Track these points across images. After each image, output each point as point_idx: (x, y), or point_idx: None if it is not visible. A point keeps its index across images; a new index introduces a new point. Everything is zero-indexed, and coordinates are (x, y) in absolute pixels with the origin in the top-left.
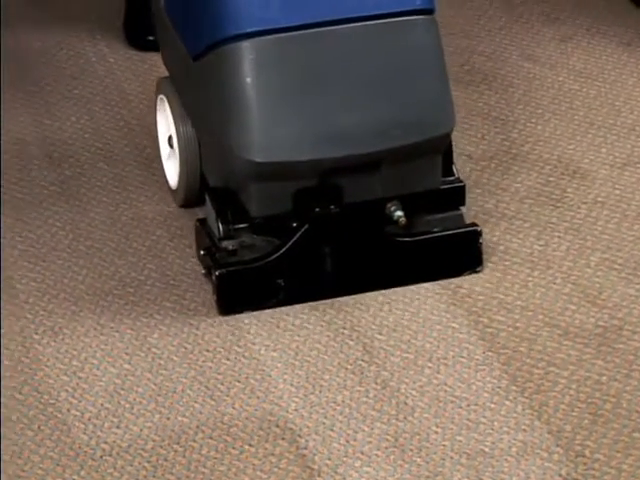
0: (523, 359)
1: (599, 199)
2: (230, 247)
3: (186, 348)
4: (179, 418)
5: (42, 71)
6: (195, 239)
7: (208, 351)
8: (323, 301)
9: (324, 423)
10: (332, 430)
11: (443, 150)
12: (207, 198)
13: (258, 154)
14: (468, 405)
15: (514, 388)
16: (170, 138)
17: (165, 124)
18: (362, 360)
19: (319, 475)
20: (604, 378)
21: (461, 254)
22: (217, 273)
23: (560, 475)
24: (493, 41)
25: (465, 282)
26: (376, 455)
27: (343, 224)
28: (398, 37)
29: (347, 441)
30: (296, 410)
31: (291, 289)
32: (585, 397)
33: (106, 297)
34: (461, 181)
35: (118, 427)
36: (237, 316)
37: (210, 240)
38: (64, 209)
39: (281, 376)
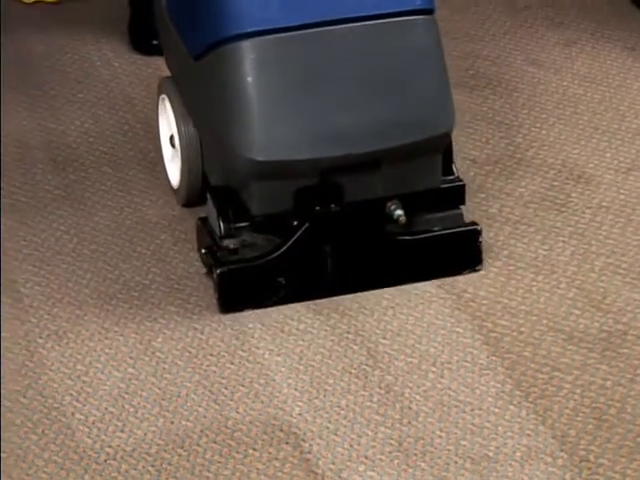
0: (527, 364)
1: (603, 204)
2: (231, 246)
3: (190, 352)
4: (183, 422)
5: (46, 75)
6: (196, 238)
7: (212, 355)
8: (327, 305)
9: (328, 427)
10: (336, 434)
11: (443, 149)
12: (208, 197)
13: (259, 153)
14: (472, 410)
15: (518, 393)
16: (172, 137)
17: (167, 124)
18: (366, 364)
19: (323, 479)
20: (608, 383)
21: (461, 253)
22: (218, 271)
23: None
24: (497, 45)
25: (469, 286)
26: (380, 459)
27: (343, 223)
28: (398, 37)
29: (351, 445)
30: (300, 414)
31: (292, 287)
32: (589, 402)
33: (110, 301)
34: (461, 180)
35: (122, 431)
36: (241, 320)
37: (211, 239)
38: (68, 213)
39: (285, 380)
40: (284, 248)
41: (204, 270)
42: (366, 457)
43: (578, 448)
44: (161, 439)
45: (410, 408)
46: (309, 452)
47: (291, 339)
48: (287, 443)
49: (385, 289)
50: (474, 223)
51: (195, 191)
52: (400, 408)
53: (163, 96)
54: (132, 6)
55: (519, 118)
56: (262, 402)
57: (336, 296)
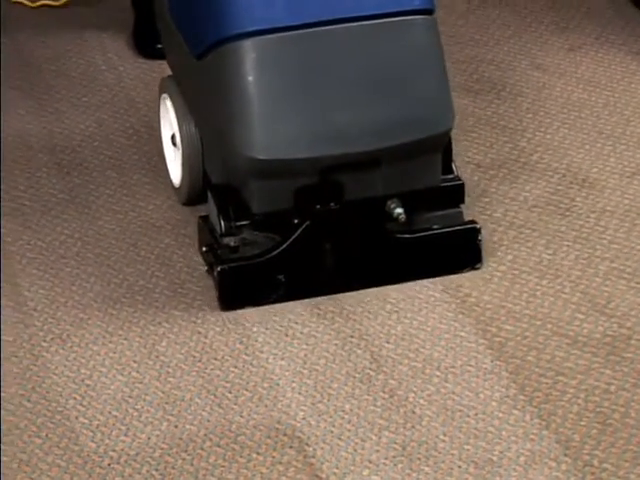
0: (531, 368)
1: (608, 208)
2: (232, 243)
3: (194, 356)
4: (187, 426)
5: (51, 79)
6: (197, 236)
7: (216, 359)
8: (331, 309)
9: (332, 431)
10: (340, 438)
11: (442, 148)
12: (209, 195)
13: (259, 151)
14: (476, 414)
15: (522, 397)
16: (173, 136)
17: (168, 123)
18: (370, 369)
19: None
20: (613, 387)
21: (461, 251)
22: (219, 269)
23: None
24: (502, 50)
25: (473, 291)
26: (384, 464)
27: (343, 221)
28: (398, 36)
29: (355, 449)
30: (304, 418)
31: (292, 285)
32: (593, 406)
33: (114, 305)
34: (460, 179)
35: (126, 435)
36: (245, 324)
37: (212, 237)
38: (72, 217)
39: (289, 384)
40: (284, 246)
41: (205, 268)
42: (370, 461)
43: (582, 453)
44: (165, 443)
45: (414, 412)
46: (313, 456)
47: (295, 343)
48: (291, 447)
49: (389, 293)
50: (473, 221)
51: (196, 189)
52: (404, 412)
53: (165, 95)
54: (136, 10)
55: (523, 122)
56: (266, 406)
57: (336, 294)
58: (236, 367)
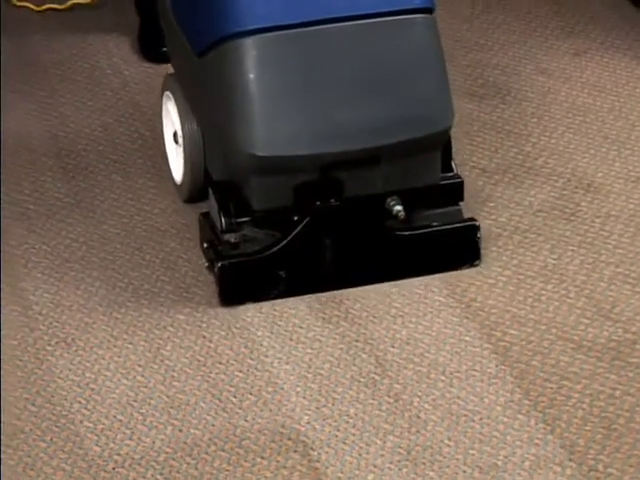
0: (536, 373)
1: (613, 213)
2: (232, 240)
3: (199, 360)
4: (192, 430)
5: (56, 83)
6: (199, 232)
7: (221, 363)
8: (336, 313)
9: (337, 436)
10: (344, 443)
11: (442, 146)
12: (210, 192)
13: (260, 148)
14: (481, 419)
15: (527, 402)
16: (175, 134)
17: (170, 120)
18: (375, 373)
19: None
20: (617, 392)
21: (459, 248)
22: (219, 265)
23: None
24: (507, 54)
25: (478, 295)
26: (389, 468)
27: (343, 218)
28: (397, 35)
29: (359, 454)
30: (309, 423)
31: (292, 281)
32: (598, 411)
33: (119, 309)
34: (460, 177)
35: (131, 439)
36: (250, 328)
37: (213, 233)
38: (78, 221)
39: (294, 389)
40: (284, 242)
41: (205, 263)
42: (375, 466)
43: (587, 457)
44: (169, 447)
45: (419, 417)
46: (317, 460)
47: (300, 347)
48: (295, 451)
49: (394, 297)
50: (472, 219)
51: (198, 187)
52: (409, 417)
53: (167, 93)
54: (141, 15)
55: (528, 127)
56: (270, 410)
57: (336, 290)
58: (241, 371)
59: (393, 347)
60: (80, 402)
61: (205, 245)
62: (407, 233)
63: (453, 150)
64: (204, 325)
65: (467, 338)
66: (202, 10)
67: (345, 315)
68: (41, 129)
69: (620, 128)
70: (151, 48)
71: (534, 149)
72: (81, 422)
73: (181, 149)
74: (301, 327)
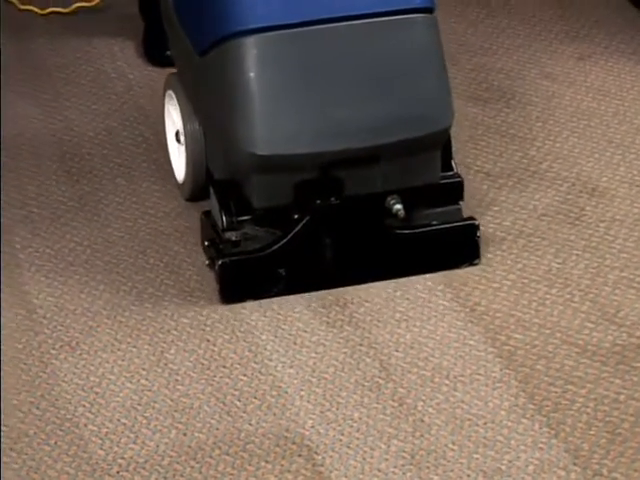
0: (540, 377)
1: (617, 217)
2: (233, 238)
3: (203, 364)
4: (196, 434)
5: (61, 86)
6: (200, 231)
7: (225, 367)
8: (340, 317)
9: (341, 440)
10: (349, 447)
11: (442, 145)
12: (211, 191)
13: (260, 147)
14: (485, 423)
15: (531, 406)
16: (177, 133)
17: (173, 119)
18: (379, 377)
19: None
20: (622, 397)
21: (459, 247)
22: (220, 263)
23: None
24: (511, 59)
25: (482, 299)
26: (393, 472)
27: (343, 216)
28: (398, 34)
29: (364, 458)
30: (313, 427)
31: (292, 279)
32: (603, 416)
33: (123, 312)
34: (459, 176)
35: (135, 443)
36: (254, 332)
37: (214, 231)
38: (82, 224)
39: (298, 393)
40: (285, 240)
41: (206, 260)
42: (379, 470)
43: (591, 462)
44: (174, 451)
45: (423, 421)
46: (322, 465)
47: (304, 351)
48: (300, 455)
49: (398, 301)
50: (472, 218)
51: (199, 185)
52: (413, 421)
53: (169, 92)
54: (145, 19)
55: (533, 131)
56: (275, 414)
57: (336, 288)
58: (245, 375)
59: (397, 351)
60: (84, 406)
61: (206, 243)
62: (407, 232)
63: (454, 150)
64: (208, 329)
65: (471, 342)
66: (203, 9)
67: (349, 319)
68: (45, 133)
69: (625, 132)
70: (155, 52)
71: (538, 153)
72: (85, 426)
73: (183, 148)
74: (305, 331)
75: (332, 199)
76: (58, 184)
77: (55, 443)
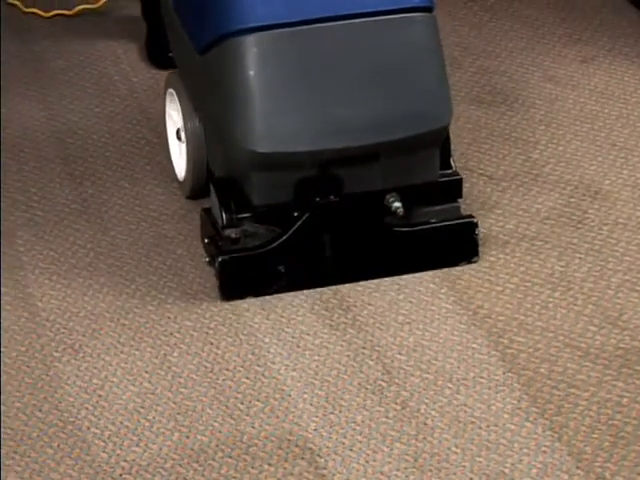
0: (543, 380)
1: (620, 220)
2: (233, 235)
3: (206, 367)
4: (199, 437)
5: (65, 89)
6: (200, 228)
7: (228, 370)
8: (343, 320)
9: (343, 443)
10: (352, 450)
11: (440, 143)
12: (211, 188)
13: (260, 145)
14: (488, 426)
15: (534, 409)
16: (178, 131)
17: (174, 117)
18: (382, 380)
19: None
20: (625, 400)
21: (458, 245)
22: (220, 260)
23: None
24: (515, 62)
25: (485, 302)
26: (395, 475)
27: (342, 214)
28: (396, 33)
29: (366, 461)
30: (315, 430)
31: (291, 276)
32: (606, 419)
33: (126, 315)
34: (458, 174)
35: (138, 445)
36: (257, 335)
37: (214, 229)
38: (85, 227)
39: (301, 396)
40: (284, 238)
41: (206, 258)
42: (382, 473)
43: (594, 465)
44: (176, 454)
45: (426, 424)
46: (324, 468)
47: (307, 354)
48: (302, 458)
49: (401, 304)
50: (471, 216)
51: (200, 183)
52: (416, 424)
53: (170, 90)
54: (148, 21)
55: (536, 134)
56: (278, 417)
57: (335, 285)
58: (248, 378)
59: (400, 354)
60: (87, 408)
61: (206, 240)
62: (406, 229)
63: (453, 149)
64: (211, 331)
65: (474, 345)
66: (204, 8)
67: (352, 322)
68: (49, 135)
69: (628, 135)
70: (158, 54)
71: (542, 156)
72: (88, 428)
73: (184, 146)
74: (308, 334)
75: (331, 197)
76: (62, 187)
77: (58, 446)
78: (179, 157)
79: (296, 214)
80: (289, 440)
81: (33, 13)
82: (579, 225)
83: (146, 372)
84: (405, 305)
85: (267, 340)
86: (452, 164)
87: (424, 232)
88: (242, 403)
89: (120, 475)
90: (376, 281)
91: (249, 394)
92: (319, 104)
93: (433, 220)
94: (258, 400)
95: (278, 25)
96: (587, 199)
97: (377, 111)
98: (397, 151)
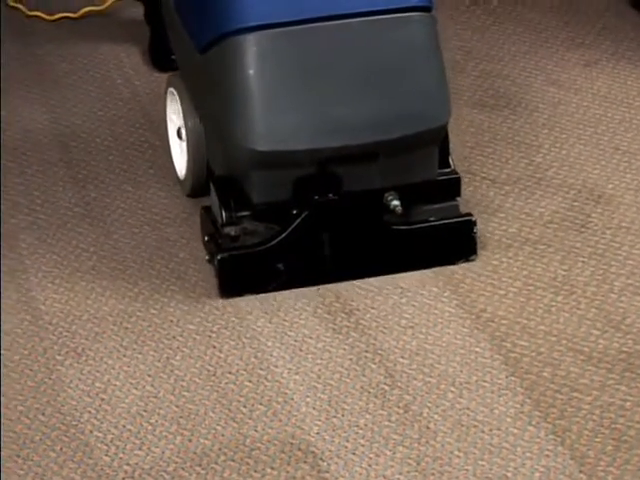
0: (546, 384)
1: (623, 224)
2: (232, 233)
3: (208, 370)
4: (201, 440)
5: (68, 92)
6: (200, 226)
7: (230, 373)
8: (346, 324)
9: (346, 447)
10: (354, 454)
11: (439, 142)
12: (211, 187)
13: (259, 143)
14: (491, 430)
15: (537, 413)
16: (179, 130)
17: (174, 116)
18: (384, 384)
19: None
20: (628, 404)
21: (456, 243)
22: (219, 257)
23: None
24: (518, 65)
25: (488, 306)
26: (398, 479)
27: (341, 212)
28: (395, 32)
29: (369, 465)
30: (318, 433)
31: (290, 273)
32: (609, 423)
33: (129, 318)
34: (457, 173)
35: (140, 449)
36: (260, 339)
37: (214, 226)
38: (88, 231)
39: (303, 399)
40: (283, 235)
41: (206, 256)
42: (384, 476)
43: (597, 469)
44: (179, 457)
45: (428, 428)
46: (327, 471)
47: (309, 357)
48: (305, 462)
49: (404, 308)
50: (469, 214)
51: (200, 181)
52: (418, 428)
53: (171, 89)
54: (151, 25)
55: (539, 138)
56: (280, 420)
57: (334, 282)
58: (250, 381)
59: (403, 358)
60: (90, 412)
61: (206, 238)
62: (404, 227)
63: (451, 148)
64: (214, 335)
65: (477, 349)
66: (204, 7)
67: (355, 326)
68: (52, 139)
69: (631, 139)
70: (162, 58)
71: (545, 160)
72: (91, 432)
73: (184, 145)
74: (311, 337)
75: (330, 195)
76: (64, 190)
77: (61, 449)
78: (180, 156)
79: (295, 212)
80: (292, 443)
81: (36, 16)
82: (582, 229)
83: (149, 375)
84: (408, 309)
85: (270, 344)
86: (451, 163)
87: (423, 230)
88: (245, 406)
89: (123, 479)
90: (378, 284)
91: (252, 397)
92: (318, 103)
93: (432, 218)
94: (261, 403)
95: (278, 24)
96: (590, 203)
97: (376, 110)
98: (396, 150)
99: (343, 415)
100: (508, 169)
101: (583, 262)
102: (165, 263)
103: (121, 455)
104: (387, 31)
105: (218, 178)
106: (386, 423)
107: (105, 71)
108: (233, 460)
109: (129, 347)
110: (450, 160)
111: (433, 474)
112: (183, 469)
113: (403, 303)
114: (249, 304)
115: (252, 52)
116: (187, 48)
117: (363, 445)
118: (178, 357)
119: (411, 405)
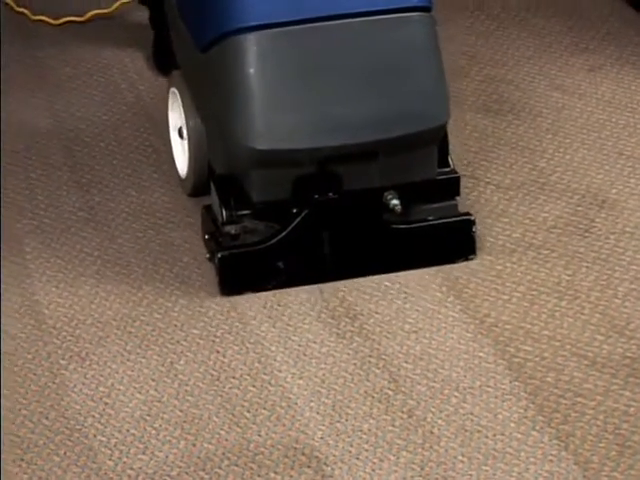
0: (550, 389)
1: (627, 229)
2: (233, 231)
3: (212, 375)
4: (205, 445)
5: (72, 97)
6: (201, 224)
7: (234, 378)
8: (350, 328)
9: (350, 451)
10: (358, 459)
11: (438, 141)
12: (212, 185)
13: (259, 142)
14: (494, 435)
15: (541, 418)
16: (180, 129)
17: (176, 116)
18: (388, 389)
19: None
20: (632, 409)
21: (455, 242)
22: (219, 255)
23: None
24: (522, 70)
25: (492, 311)
26: None
27: (341, 211)
28: (394, 32)
29: (373, 470)
30: (322, 438)
31: (290, 272)
32: (613, 428)
33: (133, 323)
34: (456, 172)
35: (144, 453)
36: (264, 343)
37: (214, 225)
38: (92, 235)
39: (307, 404)
40: (283, 234)
41: (206, 254)
42: None
43: (601, 475)
44: (183, 462)
45: (432, 433)
46: (331, 476)
47: (313, 362)
48: (309, 467)
49: (407, 313)
50: (468, 213)
51: (202, 180)
52: (422, 433)
53: (173, 89)
54: (155, 29)
55: (543, 143)
56: (284, 425)
57: (333, 281)
58: (254, 386)
59: (407, 362)
60: (93, 416)
61: (206, 237)
62: (404, 226)
63: (450, 147)
64: (218, 340)
65: (481, 354)
66: (205, 6)
67: (359, 330)
68: (56, 143)
69: (635, 144)
70: (166, 62)
71: (548, 165)
72: (94, 436)
73: (186, 144)
74: (314, 342)
75: (330, 194)
76: (68, 194)
77: (64, 453)
78: (181, 155)
79: (295, 211)
80: (295, 448)
81: (41, 21)
82: (586, 234)
83: (152, 380)
84: (412, 314)
85: (274, 348)
86: (450, 162)
87: (422, 229)
88: (248, 411)
89: None
90: (382, 289)
91: (255, 402)
92: (318, 102)
93: (431, 217)
94: (264, 408)
95: (278, 24)
96: (594, 208)
97: (375, 109)
98: (395, 149)
99: (347, 420)
100: (512, 174)
101: (587, 267)
102: (169, 267)
103: (125, 459)
104: (387, 31)
105: (218, 177)
106: (390, 428)
107: (109, 75)
108: (237, 465)
109: (133, 351)
110: (449, 160)
111: (437, 479)
112: (187, 473)
113: (407, 308)
114: (253, 308)
115: (252, 51)
116: (188, 47)
117: (367, 450)
118: (182, 361)
119: (415, 410)
